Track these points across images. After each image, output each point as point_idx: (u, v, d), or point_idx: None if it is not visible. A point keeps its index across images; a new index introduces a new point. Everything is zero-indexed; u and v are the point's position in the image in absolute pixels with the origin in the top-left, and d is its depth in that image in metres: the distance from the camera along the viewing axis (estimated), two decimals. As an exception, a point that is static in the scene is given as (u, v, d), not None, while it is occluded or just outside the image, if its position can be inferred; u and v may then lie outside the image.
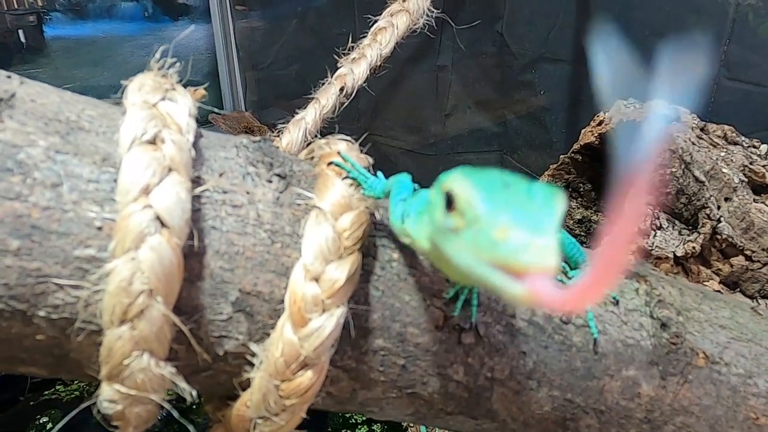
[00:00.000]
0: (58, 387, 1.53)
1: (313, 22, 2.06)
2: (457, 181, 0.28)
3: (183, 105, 0.40)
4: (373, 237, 0.43)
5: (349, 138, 0.47)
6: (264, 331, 0.39)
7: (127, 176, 0.35)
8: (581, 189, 1.28)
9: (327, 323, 0.38)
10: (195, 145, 0.41)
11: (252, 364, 0.39)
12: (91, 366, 0.36)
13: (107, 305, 0.34)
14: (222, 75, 2.27)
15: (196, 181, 0.39)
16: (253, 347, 0.38)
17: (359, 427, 1.48)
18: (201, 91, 0.45)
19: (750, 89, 1.30)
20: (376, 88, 1.88)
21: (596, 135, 1.15)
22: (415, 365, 0.43)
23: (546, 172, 1.27)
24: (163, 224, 0.35)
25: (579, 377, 0.46)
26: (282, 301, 0.39)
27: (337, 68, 0.73)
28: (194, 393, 0.36)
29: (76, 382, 1.55)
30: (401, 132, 1.93)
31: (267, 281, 0.39)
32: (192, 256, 0.37)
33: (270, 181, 0.42)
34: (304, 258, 0.38)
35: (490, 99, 1.73)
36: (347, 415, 1.51)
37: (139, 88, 0.39)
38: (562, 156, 1.25)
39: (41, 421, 1.43)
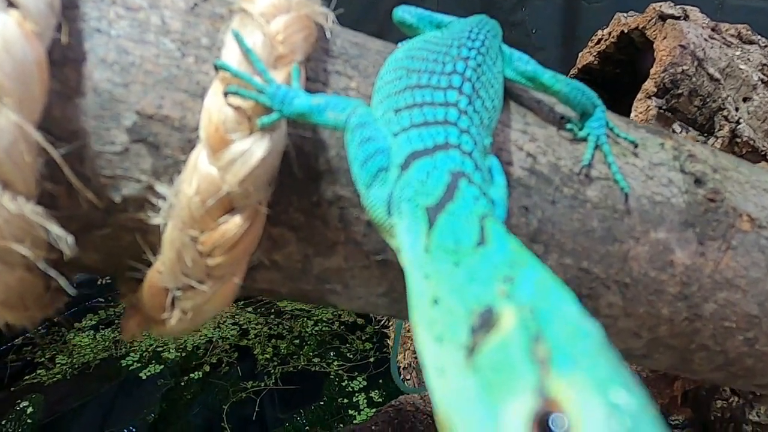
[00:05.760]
0: (39, 371, 1.45)
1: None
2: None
3: None
4: (324, 62, 0.33)
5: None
6: (176, 170, 0.29)
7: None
8: (581, 119, 1.18)
9: (256, 147, 0.28)
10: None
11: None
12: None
13: (-69, 109, 0.24)
14: None
15: (74, -27, 0.29)
16: (161, 188, 0.28)
17: (356, 394, 1.39)
18: None
19: (759, 5, 1.21)
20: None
21: (595, 54, 1.05)
22: (385, 223, 0.33)
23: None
24: (10, 3, 0.25)
25: (596, 240, 0.37)
26: (198, 129, 0.29)
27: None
28: (70, 240, 0.26)
29: (58, 364, 1.47)
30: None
31: (177, 103, 0.29)
32: (66, 63, 0.27)
33: (183, -9, 0.32)
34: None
35: (480, 43, 1.63)
36: (343, 383, 1.42)
37: None
38: (558, 83, 1.14)
39: (21, 406, 1.35)
